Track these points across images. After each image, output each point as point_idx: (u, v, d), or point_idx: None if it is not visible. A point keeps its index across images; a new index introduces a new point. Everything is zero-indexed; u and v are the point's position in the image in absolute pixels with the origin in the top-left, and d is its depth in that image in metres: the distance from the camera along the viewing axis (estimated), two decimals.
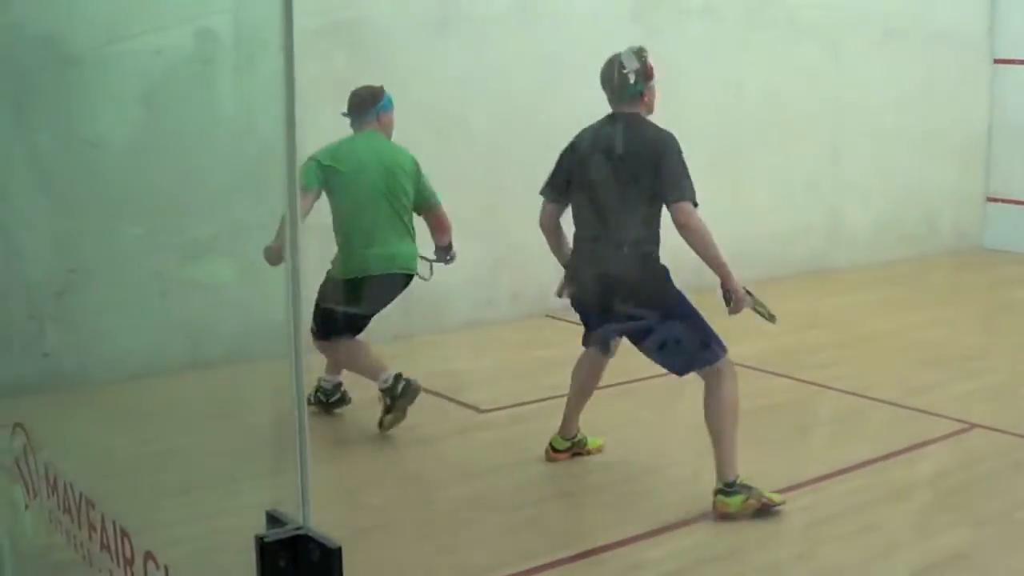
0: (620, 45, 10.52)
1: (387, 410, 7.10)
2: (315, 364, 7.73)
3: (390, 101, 7.49)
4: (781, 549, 5.57)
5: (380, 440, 6.99)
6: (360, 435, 7.11)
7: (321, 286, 7.23)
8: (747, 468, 6.45)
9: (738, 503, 5.85)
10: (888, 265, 13.10)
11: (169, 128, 8.07)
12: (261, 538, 2.13)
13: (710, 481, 6.03)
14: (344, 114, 7.34)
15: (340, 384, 7.60)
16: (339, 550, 2.09)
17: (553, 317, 10.19)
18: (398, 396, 7.05)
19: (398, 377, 7.09)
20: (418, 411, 7.45)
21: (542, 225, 6.55)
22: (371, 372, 7.19)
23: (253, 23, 7.53)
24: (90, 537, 3.33)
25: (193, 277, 8.39)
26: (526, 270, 10.25)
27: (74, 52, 7.66)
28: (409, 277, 7.32)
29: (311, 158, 6.99)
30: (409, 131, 9.26)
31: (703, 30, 11.43)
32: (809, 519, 5.87)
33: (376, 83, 8.09)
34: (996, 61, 14.20)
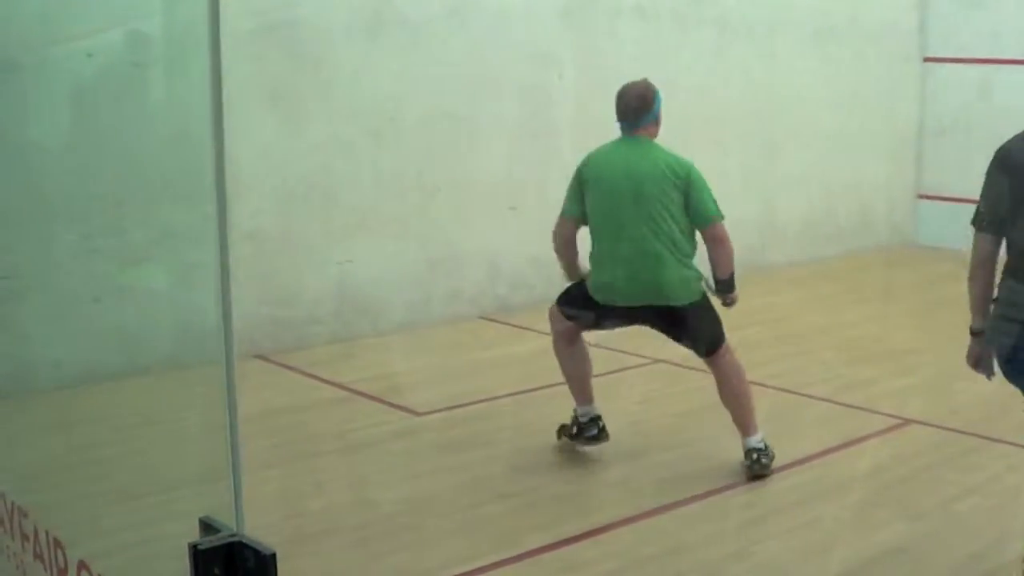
0: (552, 47, 10.60)
1: (571, 435, 6.89)
2: (250, 371, 7.70)
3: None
4: (720, 547, 5.57)
5: (318, 445, 6.96)
6: (298, 440, 7.06)
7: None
8: (687, 467, 6.50)
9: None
10: (821, 261, 13.20)
11: (101, 132, 7.99)
12: (195, 546, 2.11)
13: (646, 481, 6.07)
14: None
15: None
16: (274, 556, 2.07)
17: (487, 319, 10.20)
18: (585, 436, 6.82)
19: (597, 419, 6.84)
20: (355, 415, 7.44)
21: None
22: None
23: (183, 25, 7.49)
24: (23, 547, 3.29)
25: (127, 283, 8.33)
26: (461, 271, 10.25)
27: (6, 56, 7.58)
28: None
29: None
30: (343, 132, 9.27)
31: (636, 31, 11.44)
32: (747, 516, 5.89)
33: (308, 84, 8.07)
34: (926, 59, 14.32)
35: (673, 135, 11.56)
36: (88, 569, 2.90)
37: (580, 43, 11.01)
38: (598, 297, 6.51)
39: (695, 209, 6.35)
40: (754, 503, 6.09)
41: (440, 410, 7.63)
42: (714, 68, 12.01)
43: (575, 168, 6.62)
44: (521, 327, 10.00)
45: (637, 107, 6.58)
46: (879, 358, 8.92)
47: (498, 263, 10.54)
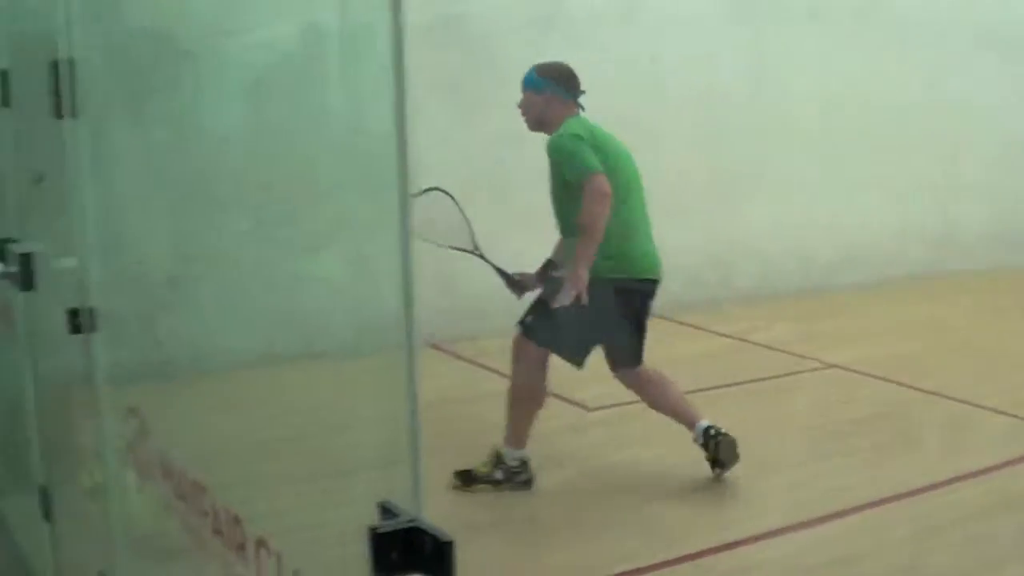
0: (725, 47, 10.53)
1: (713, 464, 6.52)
2: (423, 360, 7.76)
3: None
4: (889, 558, 5.50)
5: (489, 436, 6.99)
6: (469, 430, 7.11)
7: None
8: (857, 475, 6.42)
9: None
10: (1002, 270, 12.90)
11: (278, 122, 8.14)
12: (374, 529, 2.14)
13: (814, 489, 6.01)
14: (570, 95, 6.66)
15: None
16: (451, 543, 2.09)
17: (661, 317, 10.17)
18: (718, 456, 6.45)
19: (708, 431, 6.50)
20: None
21: None
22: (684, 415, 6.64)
23: (362, 17, 7.57)
24: (202, 522, 3.36)
25: (302, 271, 8.46)
26: None
27: (182, 45, 7.76)
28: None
29: (575, 135, 6.33)
30: (516, 127, 9.32)
31: (808, 35, 11.34)
32: (918, 528, 5.80)
33: (485, 77, 8.15)
34: None
35: (855, 134, 11.51)
36: (267, 546, 2.96)
37: (750, 43, 10.94)
38: (652, 273, 6.50)
39: None
40: (925, 515, 6.00)
41: (611, 406, 7.63)
42: (889, 72, 11.83)
43: (574, 139, 6.36)
44: (693, 326, 9.97)
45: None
46: None
47: (670, 262, 10.50)
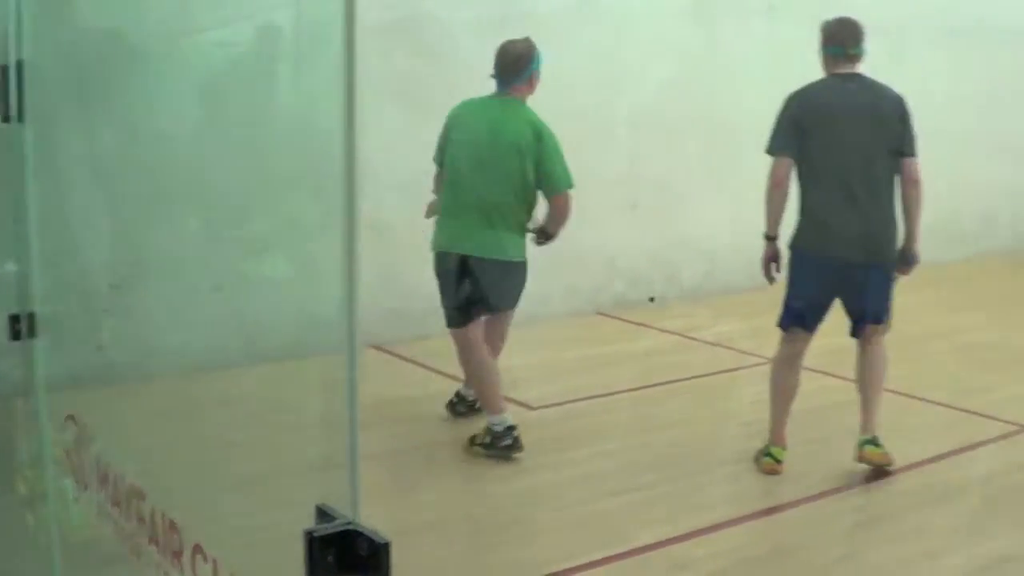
0: (682, 42, 10.57)
1: (484, 445, 6.78)
2: (368, 361, 7.79)
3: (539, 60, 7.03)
4: (829, 550, 5.57)
5: (432, 436, 7.02)
6: (412, 431, 7.12)
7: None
8: (800, 467, 6.48)
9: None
10: (944, 265, 13.02)
11: (229, 122, 8.11)
12: (310, 532, 2.16)
13: (756, 482, 6.08)
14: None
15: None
16: (388, 545, 2.11)
17: (605, 315, 10.22)
18: (499, 446, 6.70)
19: (511, 429, 6.72)
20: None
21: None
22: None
23: (315, 18, 7.56)
24: (138, 529, 3.37)
25: (249, 272, 8.44)
26: (580, 267, 10.26)
27: (135, 45, 7.72)
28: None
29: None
30: None
31: (766, 29, 11.40)
32: (857, 520, 5.87)
33: (437, 78, 8.14)
34: None
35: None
36: (203, 553, 2.97)
37: (708, 39, 10.98)
38: (435, 247, 7.06)
39: (544, 175, 6.73)
40: (865, 507, 6.07)
41: (554, 404, 7.67)
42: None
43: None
44: (638, 323, 10.02)
45: (513, 67, 6.89)
46: (999, 364, 8.82)
47: (617, 260, 10.55)
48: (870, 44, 6.81)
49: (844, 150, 6.45)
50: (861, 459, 6.34)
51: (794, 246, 6.54)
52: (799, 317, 6.49)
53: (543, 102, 9.70)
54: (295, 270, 8.36)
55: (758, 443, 6.86)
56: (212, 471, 6.24)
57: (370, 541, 2.15)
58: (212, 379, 7.82)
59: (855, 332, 6.67)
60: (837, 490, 6.22)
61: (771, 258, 6.60)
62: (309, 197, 7.68)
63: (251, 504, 5.72)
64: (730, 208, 11.28)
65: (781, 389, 6.55)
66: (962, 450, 6.88)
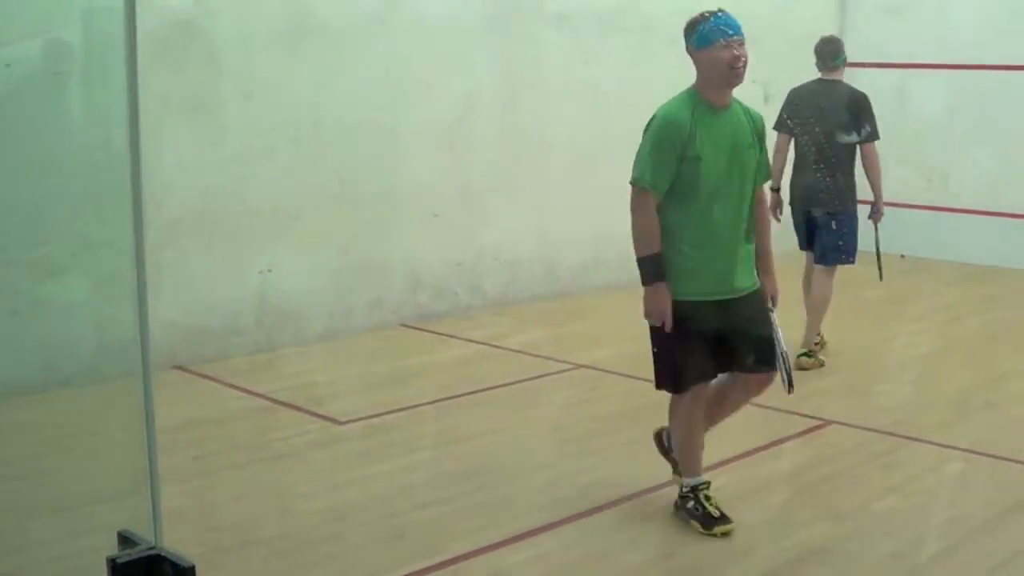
0: (478, 55, 10.61)
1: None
2: (170, 382, 7.64)
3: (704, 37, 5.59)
4: (643, 551, 5.60)
5: (239, 456, 6.90)
6: (218, 451, 7.00)
7: None
8: (611, 470, 6.52)
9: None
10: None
11: (19, 142, 7.88)
12: (114, 559, 2.09)
13: (569, 487, 6.11)
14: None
15: None
16: (192, 569, 2.05)
17: (409, 327, 10.18)
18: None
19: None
20: (276, 424, 7.41)
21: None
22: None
23: (102, 35, 7.40)
24: None
25: (46, 295, 8.22)
26: (383, 279, 10.21)
27: None
28: None
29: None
30: (264, 141, 9.20)
31: (559, 38, 11.46)
32: (669, 520, 5.91)
33: (229, 93, 7.99)
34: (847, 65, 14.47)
35: (597, 141, 11.68)
36: None
37: (502, 51, 11.01)
38: None
39: None
40: None
41: (361, 418, 7.60)
42: (635, 75, 12.02)
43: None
44: (443, 334, 10.00)
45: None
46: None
47: (420, 271, 10.52)
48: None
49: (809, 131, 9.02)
50: (798, 366, 8.22)
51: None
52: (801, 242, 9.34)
53: (339, 116, 9.69)
54: (91, 292, 8.19)
55: (569, 448, 6.89)
56: (16, 500, 6.06)
57: (175, 565, 2.09)
58: (11, 406, 7.59)
59: (818, 260, 9.11)
60: (650, 491, 6.26)
61: (775, 205, 8.93)
62: (101, 216, 7.53)
63: (57, 532, 5.57)
64: (532, 217, 11.34)
65: None
66: (767, 447, 7.00)
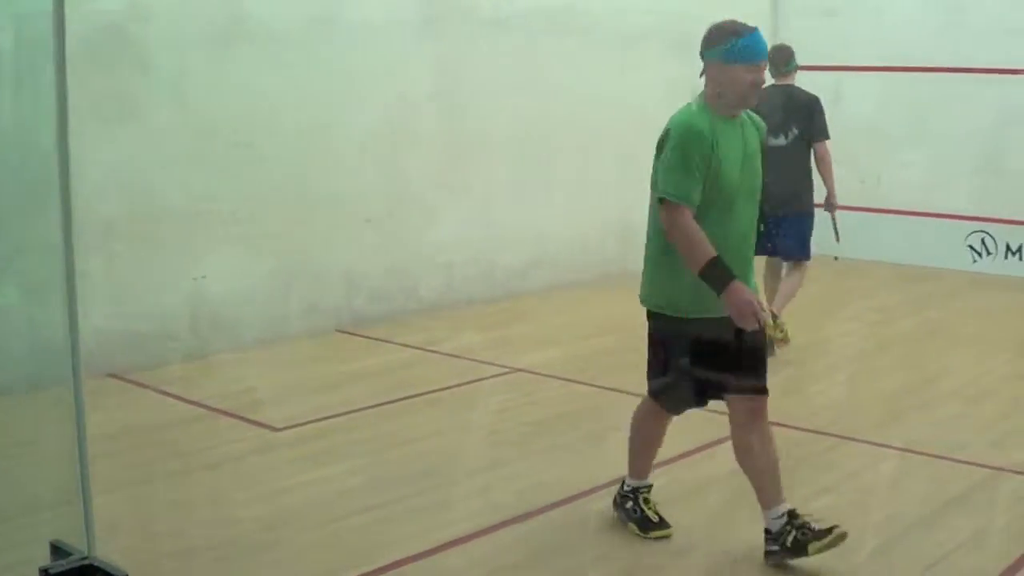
0: (413, 60, 10.58)
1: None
2: (104, 389, 7.57)
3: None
4: (582, 552, 5.60)
5: (174, 464, 6.85)
6: (153, 459, 6.95)
7: None
8: (548, 474, 6.53)
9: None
10: None
11: None
12: (45, 570, 2.07)
13: (506, 491, 6.11)
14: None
15: None
16: None
17: (345, 332, 10.15)
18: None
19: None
20: (212, 432, 7.37)
21: None
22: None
23: (32, 38, 7.34)
24: None
25: None
26: (318, 284, 10.17)
27: None
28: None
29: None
30: (198, 146, 9.13)
31: (496, 41, 11.45)
32: (607, 521, 5.92)
33: (161, 96, 7.94)
34: None
35: (537, 140, 11.69)
36: None
37: (441, 53, 11.00)
38: None
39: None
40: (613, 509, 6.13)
41: (298, 424, 7.57)
42: (575, 77, 12.04)
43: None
44: (379, 339, 9.97)
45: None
46: None
47: (355, 276, 10.49)
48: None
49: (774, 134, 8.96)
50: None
51: None
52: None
53: (274, 119, 9.64)
54: (23, 298, 8.10)
55: (505, 452, 6.89)
56: None
57: (108, 575, 2.07)
58: None
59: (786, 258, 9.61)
60: (585, 493, 6.27)
61: None
62: (31, 221, 7.45)
63: None
64: (468, 220, 11.33)
65: None
66: (702, 448, 7.01)
